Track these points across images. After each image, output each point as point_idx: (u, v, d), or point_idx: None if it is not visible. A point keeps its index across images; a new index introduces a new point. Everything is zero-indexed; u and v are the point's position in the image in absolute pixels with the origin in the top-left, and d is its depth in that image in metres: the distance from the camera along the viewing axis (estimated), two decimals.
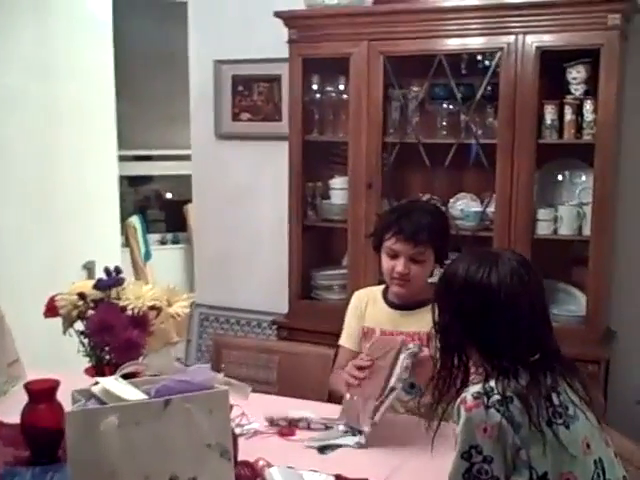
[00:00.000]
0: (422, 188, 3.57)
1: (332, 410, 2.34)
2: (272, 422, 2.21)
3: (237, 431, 2.10)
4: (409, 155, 3.47)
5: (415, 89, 3.46)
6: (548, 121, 3.17)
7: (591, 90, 3.12)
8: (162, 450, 1.39)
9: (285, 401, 2.45)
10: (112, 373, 1.65)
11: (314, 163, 3.72)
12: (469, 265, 1.59)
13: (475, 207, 3.41)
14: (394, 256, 2.42)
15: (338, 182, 3.64)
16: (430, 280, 2.51)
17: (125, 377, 1.55)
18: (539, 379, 1.51)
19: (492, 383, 1.50)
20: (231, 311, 4.10)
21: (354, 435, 2.10)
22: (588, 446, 1.51)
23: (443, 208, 3.21)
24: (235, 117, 4.06)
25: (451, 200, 3.47)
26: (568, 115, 3.15)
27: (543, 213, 3.23)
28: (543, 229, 3.23)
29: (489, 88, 3.28)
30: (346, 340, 2.59)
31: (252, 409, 2.22)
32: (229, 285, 4.13)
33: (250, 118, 4.04)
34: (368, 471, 1.92)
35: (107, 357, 1.87)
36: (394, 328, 2.47)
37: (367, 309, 2.56)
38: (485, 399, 1.47)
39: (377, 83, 3.39)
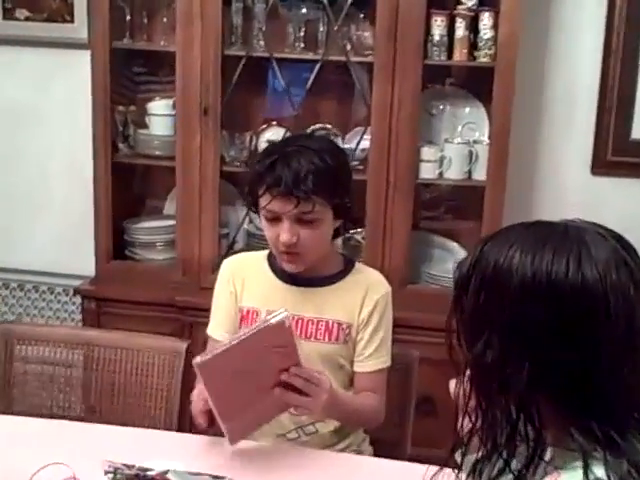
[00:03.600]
0: (272, 117, 2.80)
1: (199, 446, 1.59)
2: (115, 477, 1.41)
3: None
4: (258, 72, 2.69)
5: None
6: (436, 37, 2.53)
7: (487, 0, 2.53)
8: None
9: (120, 432, 1.66)
10: None
11: (125, 79, 2.83)
12: (534, 252, 0.90)
13: (339, 144, 2.72)
14: (274, 219, 1.67)
15: (160, 106, 2.77)
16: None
17: None
18: None
19: (599, 471, 0.84)
20: (11, 272, 3.12)
21: None
22: None
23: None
24: (8, 14, 3.02)
25: (307, 131, 2.74)
26: (460, 30, 2.53)
27: (427, 152, 2.62)
28: (427, 172, 2.62)
29: None
30: (215, 329, 1.82)
31: (76, 453, 1.43)
32: (6, 237, 3.13)
33: (29, 17, 3.03)
34: None
35: None
36: (290, 310, 1.72)
37: (246, 283, 1.79)
38: None
39: None
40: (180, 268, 2.73)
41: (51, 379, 1.95)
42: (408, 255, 2.62)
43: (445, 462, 0.98)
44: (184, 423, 1.85)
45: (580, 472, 0.85)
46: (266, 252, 1.81)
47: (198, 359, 1.40)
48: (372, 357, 1.76)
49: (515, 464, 0.92)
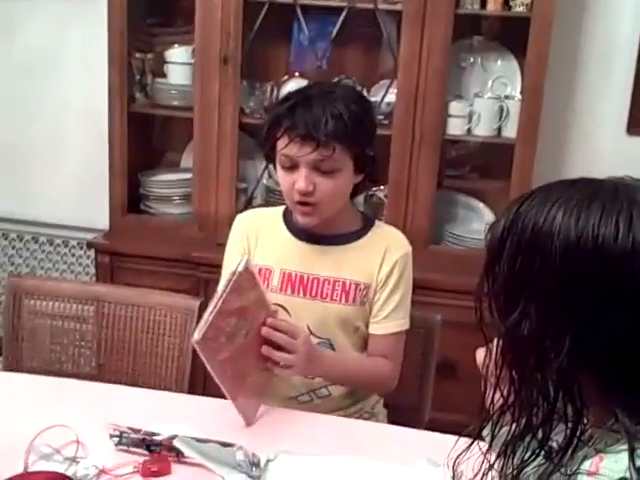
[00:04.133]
0: (295, 67, 2.69)
1: (210, 409, 1.52)
2: (120, 440, 1.35)
3: (70, 473, 1.24)
4: (281, 21, 2.58)
5: None
6: None
7: None
8: None
9: (129, 394, 1.59)
10: None
11: (143, 26, 2.72)
12: (579, 212, 0.80)
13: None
14: (291, 167, 1.56)
15: (178, 54, 2.67)
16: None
17: None
18: None
19: None
20: (25, 224, 3.06)
21: (254, 472, 1.28)
22: None
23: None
24: None
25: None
26: None
27: (456, 107, 2.50)
28: (455, 128, 2.51)
29: None
30: None
31: (82, 415, 1.37)
32: (21, 189, 3.07)
33: None
34: None
35: None
36: (304, 269, 1.65)
37: (259, 240, 1.71)
38: None
39: None
40: (196, 223, 2.65)
41: (61, 334, 1.89)
42: (432, 214, 2.52)
43: (473, 439, 0.89)
44: (195, 385, 1.79)
45: (625, 456, 0.76)
46: (282, 208, 1.72)
47: (196, 336, 1.32)
48: (388, 319, 1.67)
49: (550, 444, 0.84)
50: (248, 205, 2.69)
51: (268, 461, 1.31)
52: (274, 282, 1.66)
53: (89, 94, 2.89)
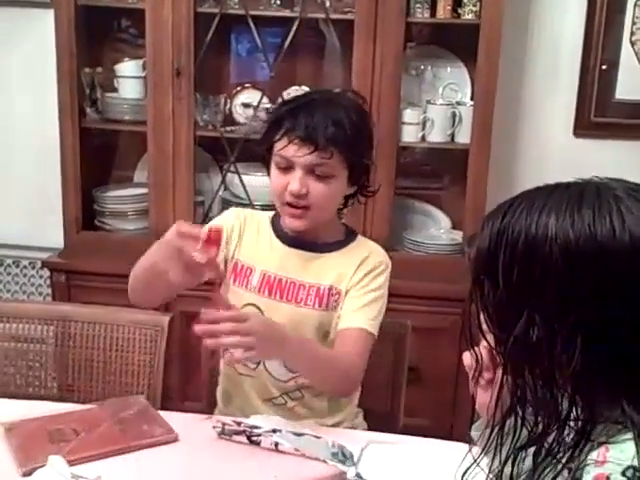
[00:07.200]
0: (247, 79, 2.69)
1: (185, 424, 1.50)
2: (223, 431, 1.45)
3: None
4: (232, 32, 2.57)
5: None
6: None
7: None
8: None
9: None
10: None
11: (91, 40, 2.68)
12: (572, 214, 0.82)
13: None
14: (286, 168, 1.58)
15: (129, 67, 2.64)
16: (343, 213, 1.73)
17: None
18: None
19: None
20: None
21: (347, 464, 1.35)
22: None
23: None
24: None
25: (284, 94, 2.63)
26: None
27: (410, 114, 2.53)
28: (410, 135, 2.54)
29: None
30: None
31: None
32: None
33: None
34: None
35: None
36: (283, 273, 1.65)
37: (245, 237, 1.70)
38: None
39: None
40: (153, 238, 2.57)
41: (24, 357, 1.84)
42: (390, 221, 2.54)
43: (482, 450, 0.90)
44: (168, 401, 1.76)
45: (629, 445, 0.78)
46: (271, 214, 1.73)
47: None
48: (359, 312, 1.62)
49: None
50: (206, 218, 2.67)
51: (362, 450, 1.39)
52: (253, 282, 1.67)
53: (37, 109, 2.83)
